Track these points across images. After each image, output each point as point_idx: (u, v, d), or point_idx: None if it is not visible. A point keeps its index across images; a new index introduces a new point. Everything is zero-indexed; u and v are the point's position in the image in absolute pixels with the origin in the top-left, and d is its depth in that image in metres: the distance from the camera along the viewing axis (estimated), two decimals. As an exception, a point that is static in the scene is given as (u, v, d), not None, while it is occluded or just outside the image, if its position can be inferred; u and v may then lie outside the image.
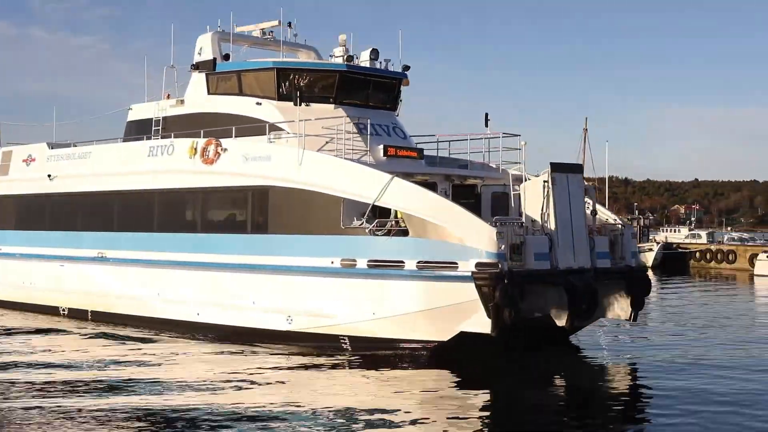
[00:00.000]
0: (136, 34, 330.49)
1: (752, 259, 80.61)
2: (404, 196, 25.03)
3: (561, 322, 25.12)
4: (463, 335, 24.39)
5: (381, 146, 28.52)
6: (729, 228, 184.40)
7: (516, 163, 30.81)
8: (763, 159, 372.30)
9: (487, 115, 31.44)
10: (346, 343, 26.38)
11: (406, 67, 32.01)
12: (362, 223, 25.66)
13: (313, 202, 26.72)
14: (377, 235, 25.39)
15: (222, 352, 26.88)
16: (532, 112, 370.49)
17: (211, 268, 29.37)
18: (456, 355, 24.75)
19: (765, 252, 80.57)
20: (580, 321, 25.83)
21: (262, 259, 27.94)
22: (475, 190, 30.43)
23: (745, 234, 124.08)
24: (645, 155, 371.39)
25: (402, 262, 24.85)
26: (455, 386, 22.93)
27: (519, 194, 26.09)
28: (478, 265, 23.60)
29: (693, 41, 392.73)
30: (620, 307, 26.88)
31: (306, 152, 27.12)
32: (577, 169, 26.32)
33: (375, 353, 25.46)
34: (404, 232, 24.93)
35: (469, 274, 23.54)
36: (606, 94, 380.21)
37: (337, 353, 25.98)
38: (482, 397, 21.94)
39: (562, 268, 24.96)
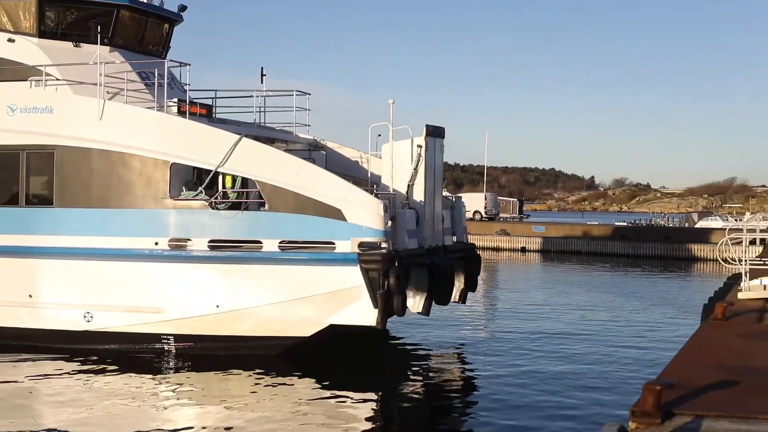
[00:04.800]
0: None
1: None
2: (259, 162, 20.51)
3: (416, 308, 22.13)
4: (331, 329, 20.56)
5: (174, 101, 23.28)
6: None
7: (307, 125, 27.46)
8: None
9: (262, 69, 27.62)
10: (169, 343, 21.24)
11: (183, 8, 26.87)
12: (199, 194, 20.67)
13: (124, 167, 21.11)
14: (219, 209, 20.58)
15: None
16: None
17: None
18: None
19: None
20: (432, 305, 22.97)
21: (43, 239, 21.65)
22: None
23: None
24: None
25: (258, 242, 20.32)
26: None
27: (372, 161, 22.64)
28: (361, 245, 19.82)
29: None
30: (456, 288, 24.39)
31: (110, 104, 21.40)
32: (442, 132, 23.16)
33: (205, 354, 20.88)
34: (259, 206, 20.40)
35: (354, 255, 19.67)
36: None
37: (152, 356, 20.93)
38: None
39: (426, 247, 22.02)
